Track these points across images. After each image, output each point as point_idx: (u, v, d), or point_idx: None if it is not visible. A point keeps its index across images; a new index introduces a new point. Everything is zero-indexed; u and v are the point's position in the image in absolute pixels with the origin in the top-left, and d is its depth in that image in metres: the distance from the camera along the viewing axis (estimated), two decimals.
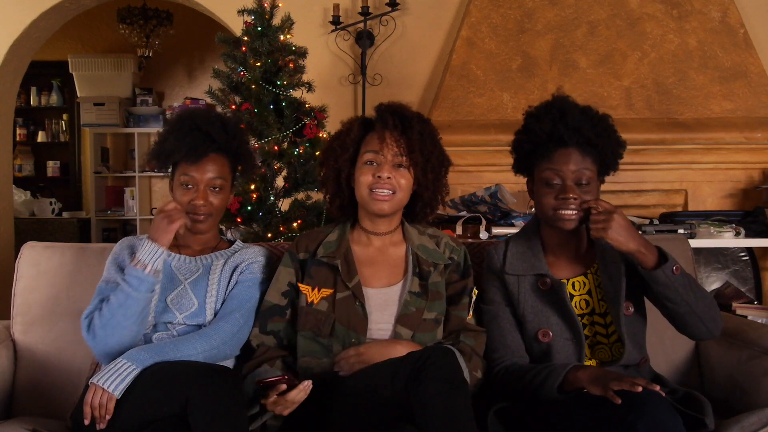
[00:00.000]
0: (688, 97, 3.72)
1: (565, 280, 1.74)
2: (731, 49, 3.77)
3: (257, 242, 2.06)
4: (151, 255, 1.65)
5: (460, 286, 1.80)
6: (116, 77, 5.84)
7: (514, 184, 2.65)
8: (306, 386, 1.51)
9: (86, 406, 1.49)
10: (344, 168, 1.79)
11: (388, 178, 1.72)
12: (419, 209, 1.83)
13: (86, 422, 1.49)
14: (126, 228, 5.93)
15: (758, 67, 3.74)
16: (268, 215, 2.99)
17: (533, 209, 1.95)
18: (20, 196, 5.80)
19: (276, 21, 3.11)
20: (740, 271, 3.53)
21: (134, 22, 5.63)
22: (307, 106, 3.10)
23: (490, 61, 3.82)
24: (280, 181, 3.13)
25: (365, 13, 3.96)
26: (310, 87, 3.13)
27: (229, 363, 1.76)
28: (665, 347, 2.02)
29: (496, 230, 2.91)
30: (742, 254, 3.53)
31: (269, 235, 2.94)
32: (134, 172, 5.87)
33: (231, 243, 1.94)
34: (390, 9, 4.00)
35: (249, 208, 2.96)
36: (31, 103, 6.36)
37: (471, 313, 1.78)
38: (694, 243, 2.86)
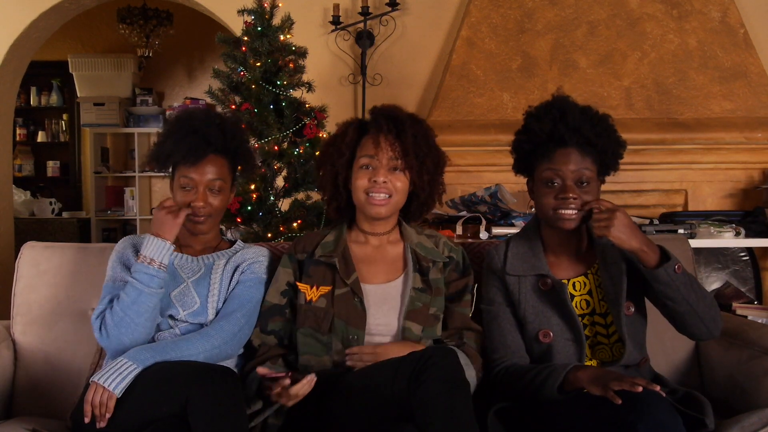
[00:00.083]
0: (688, 97, 3.72)
1: (565, 281, 1.74)
2: (731, 49, 3.76)
3: (257, 242, 2.06)
4: (159, 250, 1.66)
5: (462, 284, 1.82)
6: (116, 77, 5.84)
7: (514, 184, 2.65)
8: (310, 380, 1.52)
9: (86, 405, 1.50)
10: (341, 171, 1.80)
11: (384, 182, 1.74)
12: (415, 208, 1.85)
13: (86, 420, 1.50)
14: (126, 228, 5.93)
15: (758, 67, 3.73)
16: (268, 215, 2.99)
17: (533, 209, 1.95)
18: (20, 196, 5.80)
19: (276, 21, 3.11)
20: (740, 271, 3.53)
21: (134, 22, 5.62)
22: (307, 106, 3.10)
23: (490, 61, 3.81)
24: (280, 181, 3.13)
25: (365, 13, 3.96)
26: (310, 87, 3.13)
27: (230, 363, 1.76)
28: (665, 347, 2.02)
29: (496, 230, 2.91)
30: (742, 254, 3.53)
31: (269, 235, 2.94)
32: (134, 172, 5.87)
33: (232, 243, 1.94)
34: (390, 9, 3.99)
35: (249, 208, 2.96)
36: (31, 103, 6.36)
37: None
38: (694, 243, 2.86)
